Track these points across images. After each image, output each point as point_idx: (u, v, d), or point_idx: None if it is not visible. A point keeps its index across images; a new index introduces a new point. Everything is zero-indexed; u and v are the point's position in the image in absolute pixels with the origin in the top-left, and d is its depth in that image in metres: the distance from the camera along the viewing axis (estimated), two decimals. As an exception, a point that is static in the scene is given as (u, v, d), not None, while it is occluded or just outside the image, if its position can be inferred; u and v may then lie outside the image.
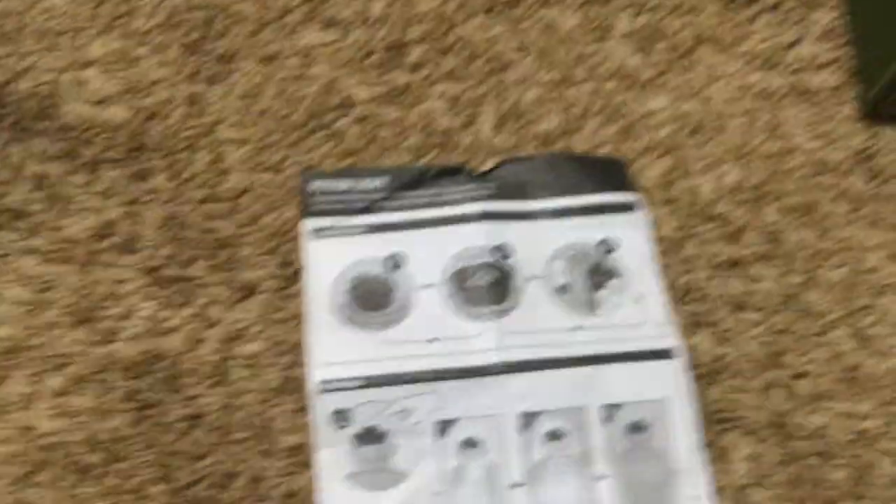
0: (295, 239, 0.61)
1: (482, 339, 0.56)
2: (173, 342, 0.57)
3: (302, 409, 0.56)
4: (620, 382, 0.55)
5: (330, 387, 0.54)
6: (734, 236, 0.62)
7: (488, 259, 0.59)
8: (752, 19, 0.69)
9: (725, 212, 0.63)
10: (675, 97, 0.66)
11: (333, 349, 0.56)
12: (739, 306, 0.60)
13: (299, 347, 0.57)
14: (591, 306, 0.58)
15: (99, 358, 0.56)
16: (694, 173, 0.64)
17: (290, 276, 0.60)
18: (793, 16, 0.69)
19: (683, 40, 0.68)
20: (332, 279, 0.58)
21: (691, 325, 0.59)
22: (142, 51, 0.66)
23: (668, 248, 0.61)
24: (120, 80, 0.64)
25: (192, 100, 0.64)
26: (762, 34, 0.68)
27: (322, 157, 0.63)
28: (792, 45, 0.68)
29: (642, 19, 0.68)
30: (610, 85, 0.66)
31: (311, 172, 0.62)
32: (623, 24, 0.68)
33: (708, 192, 0.63)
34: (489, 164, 0.63)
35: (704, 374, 0.57)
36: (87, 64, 0.65)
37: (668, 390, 0.55)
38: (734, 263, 0.61)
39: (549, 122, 0.65)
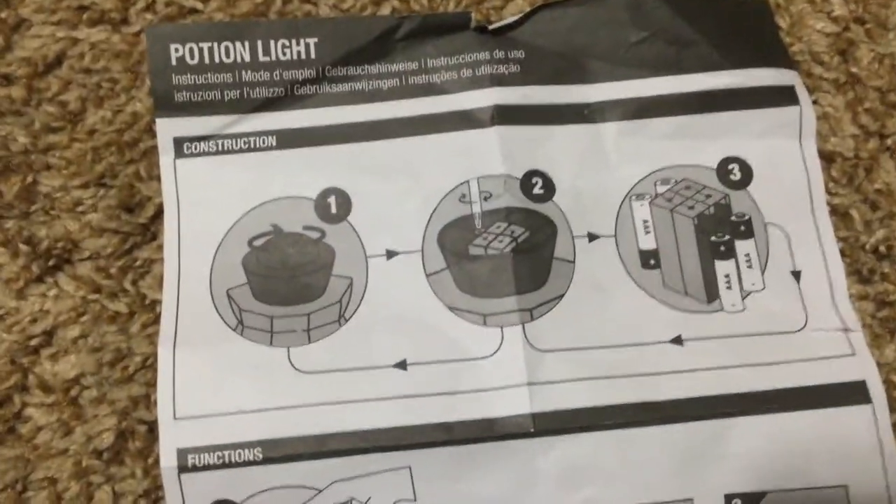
0: (147, 157, 0.32)
1: (496, 364, 0.29)
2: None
3: (154, 494, 0.29)
4: (764, 453, 0.28)
5: (200, 461, 0.28)
6: (970, 152, 0.33)
7: (509, 201, 0.31)
8: None
9: (952, 104, 0.34)
10: None
11: (209, 385, 0.29)
12: (977, 287, 0.32)
13: (153, 371, 0.30)
14: (707, 293, 0.30)
15: None
16: (893, 28, 0.35)
17: (138, 228, 0.32)
18: None
19: None
20: (214, 239, 0.31)
21: (888, 324, 0.31)
22: None
23: (847, 175, 0.33)
24: None
25: None
26: None
27: (197, -3, 0.34)
28: None
29: None
30: None
31: (170, 29, 0.32)
32: None
33: (919, 65, 0.34)
34: (512, 14, 0.34)
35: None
36: None
37: (858, 470, 0.29)
38: (969, 204, 0.33)
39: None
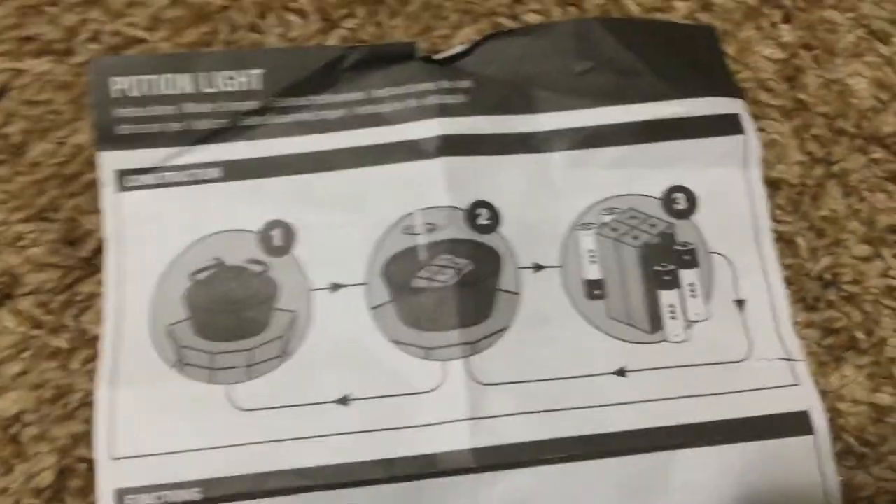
0: (89, 190, 0.32)
1: (438, 399, 0.29)
2: None
3: (94, 534, 0.29)
4: (707, 486, 0.28)
5: (138, 503, 0.28)
6: (915, 179, 0.33)
7: (453, 233, 0.31)
8: None
9: (898, 130, 0.34)
10: None
11: (147, 424, 0.29)
12: (923, 314, 0.32)
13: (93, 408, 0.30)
14: (650, 324, 0.30)
15: None
16: (841, 54, 0.35)
17: (80, 262, 0.32)
18: None
19: None
20: (154, 272, 0.30)
21: (833, 351, 0.31)
22: None
23: (793, 202, 0.33)
24: None
25: None
26: None
27: (142, 27, 0.34)
28: None
29: None
30: None
31: (112, 61, 0.32)
32: None
33: (864, 92, 0.34)
34: (458, 45, 0.34)
35: (851, 450, 0.30)
36: None
37: (800, 501, 0.28)
38: (914, 231, 0.33)
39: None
